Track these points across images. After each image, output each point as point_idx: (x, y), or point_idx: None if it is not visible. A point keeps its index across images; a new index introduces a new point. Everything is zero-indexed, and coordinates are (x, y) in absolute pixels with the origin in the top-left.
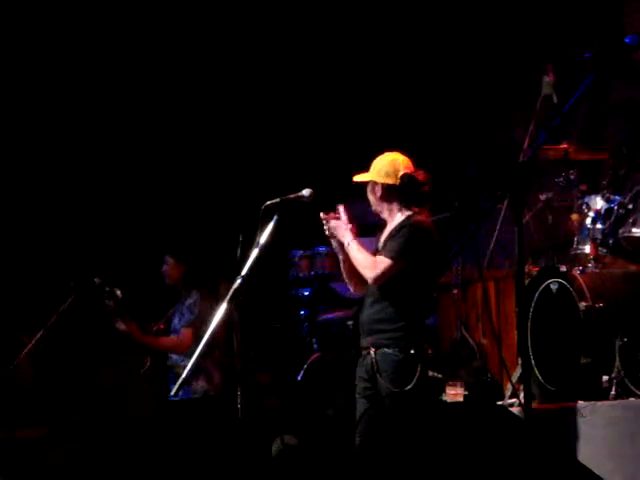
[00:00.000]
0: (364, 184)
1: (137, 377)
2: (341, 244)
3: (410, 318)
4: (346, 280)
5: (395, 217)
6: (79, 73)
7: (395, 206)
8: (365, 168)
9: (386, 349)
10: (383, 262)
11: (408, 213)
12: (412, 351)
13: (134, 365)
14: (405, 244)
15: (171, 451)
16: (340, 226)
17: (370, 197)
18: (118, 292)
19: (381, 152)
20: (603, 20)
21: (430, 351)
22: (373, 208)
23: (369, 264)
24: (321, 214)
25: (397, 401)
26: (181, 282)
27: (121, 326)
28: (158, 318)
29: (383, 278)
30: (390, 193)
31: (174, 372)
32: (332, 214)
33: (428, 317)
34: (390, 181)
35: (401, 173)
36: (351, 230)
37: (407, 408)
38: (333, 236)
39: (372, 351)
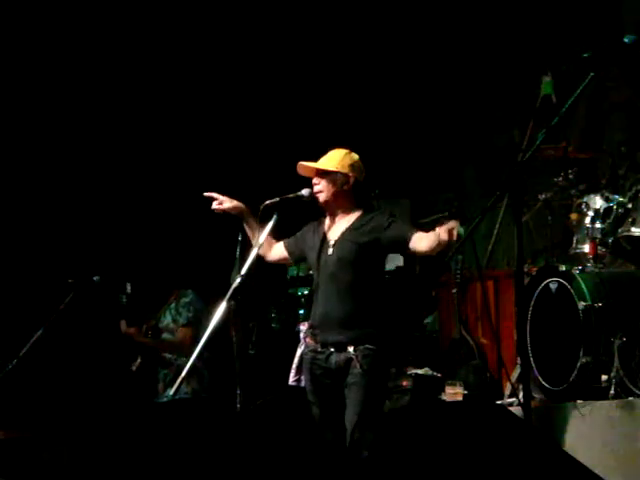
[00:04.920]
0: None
1: (128, 375)
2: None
3: (383, 313)
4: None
5: (350, 213)
6: (79, 74)
7: (352, 202)
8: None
9: (368, 345)
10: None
11: (362, 210)
12: (389, 346)
13: (125, 363)
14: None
15: (162, 451)
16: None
17: (330, 187)
18: (128, 287)
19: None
20: (602, 20)
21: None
22: (327, 198)
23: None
24: None
25: (371, 394)
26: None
27: (123, 327)
28: (148, 316)
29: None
30: (356, 188)
31: (166, 371)
32: None
33: (427, 316)
34: (359, 177)
35: (364, 173)
36: None
37: (379, 401)
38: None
39: (351, 348)
